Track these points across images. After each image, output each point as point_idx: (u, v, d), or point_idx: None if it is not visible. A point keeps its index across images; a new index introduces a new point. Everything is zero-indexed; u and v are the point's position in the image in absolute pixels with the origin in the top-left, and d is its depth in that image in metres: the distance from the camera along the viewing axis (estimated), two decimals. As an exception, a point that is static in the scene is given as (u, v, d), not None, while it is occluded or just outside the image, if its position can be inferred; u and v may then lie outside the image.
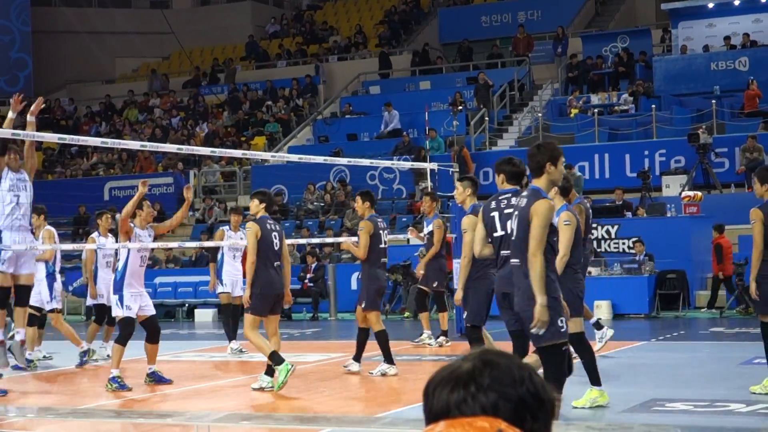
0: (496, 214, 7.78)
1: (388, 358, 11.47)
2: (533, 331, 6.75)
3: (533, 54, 30.90)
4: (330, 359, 12.23)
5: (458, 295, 9.62)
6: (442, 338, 14.52)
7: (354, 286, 21.85)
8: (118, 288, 11.08)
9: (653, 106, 25.26)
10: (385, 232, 11.73)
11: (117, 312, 11.11)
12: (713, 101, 24.77)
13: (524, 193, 7.06)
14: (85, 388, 12.01)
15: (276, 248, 10.67)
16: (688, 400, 8.86)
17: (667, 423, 8.04)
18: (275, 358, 10.31)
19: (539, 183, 6.97)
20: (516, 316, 7.23)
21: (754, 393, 9.35)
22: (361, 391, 10.94)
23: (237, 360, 13.63)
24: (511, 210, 7.63)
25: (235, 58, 37.17)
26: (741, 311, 18.17)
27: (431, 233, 14.16)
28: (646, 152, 24.08)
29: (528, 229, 6.78)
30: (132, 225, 11.15)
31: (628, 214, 20.81)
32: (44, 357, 13.87)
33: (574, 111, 26.74)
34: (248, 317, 10.57)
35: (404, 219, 24.48)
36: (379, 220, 11.78)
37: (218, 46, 39.27)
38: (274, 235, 10.67)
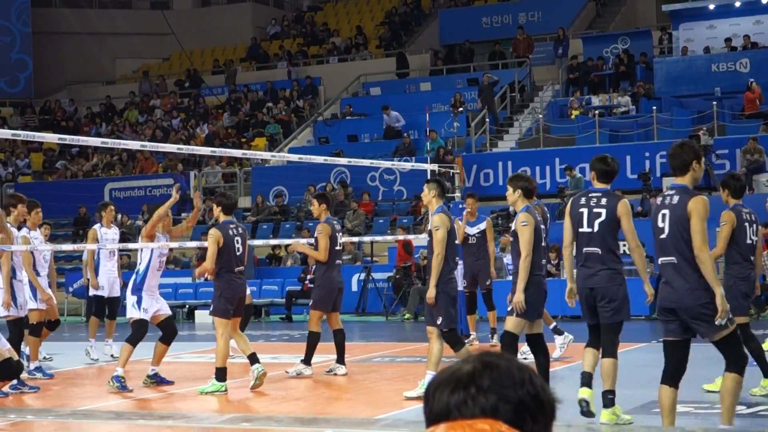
0: (585, 210, 7.89)
1: (308, 360, 11.71)
2: (718, 322, 6.75)
3: (534, 55, 30.89)
4: (330, 360, 12.23)
5: (431, 293, 9.47)
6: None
7: (354, 287, 21.83)
8: (137, 289, 11.16)
9: (654, 107, 25.25)
10: (341, 234, 11.88)
11: (133, 314, 11.19)
12: (714, 103, 24.76)
13: (670, 192, 7.07)
14: (85, 389, 12.01)
15: (238, 253, 10.77)
16: (688, 401, 8.84)
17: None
18: (220, 374, 10.68)
19: (684, 181, 7.02)
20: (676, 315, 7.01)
21: (754, 395, 9.35)
22: (361, 393, 10.93)
23: (237, 362, 13.61)
24: (600, 209, 7.78)
25: (235, 60, 37.16)
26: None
27: (482, 232, 13.95)
28: (647, 154, 24.05)
29: (683, 227, 6.80)
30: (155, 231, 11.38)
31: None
32: (44, 358, 13.85)
33: (574, 112, 26.72)
34: (218, 321, 10.81)
35: (404, 220, 24.45)
36: (335, 222, 11.95)
37: (218, 47, 39.27)
38: (236, 240, 10.73)
